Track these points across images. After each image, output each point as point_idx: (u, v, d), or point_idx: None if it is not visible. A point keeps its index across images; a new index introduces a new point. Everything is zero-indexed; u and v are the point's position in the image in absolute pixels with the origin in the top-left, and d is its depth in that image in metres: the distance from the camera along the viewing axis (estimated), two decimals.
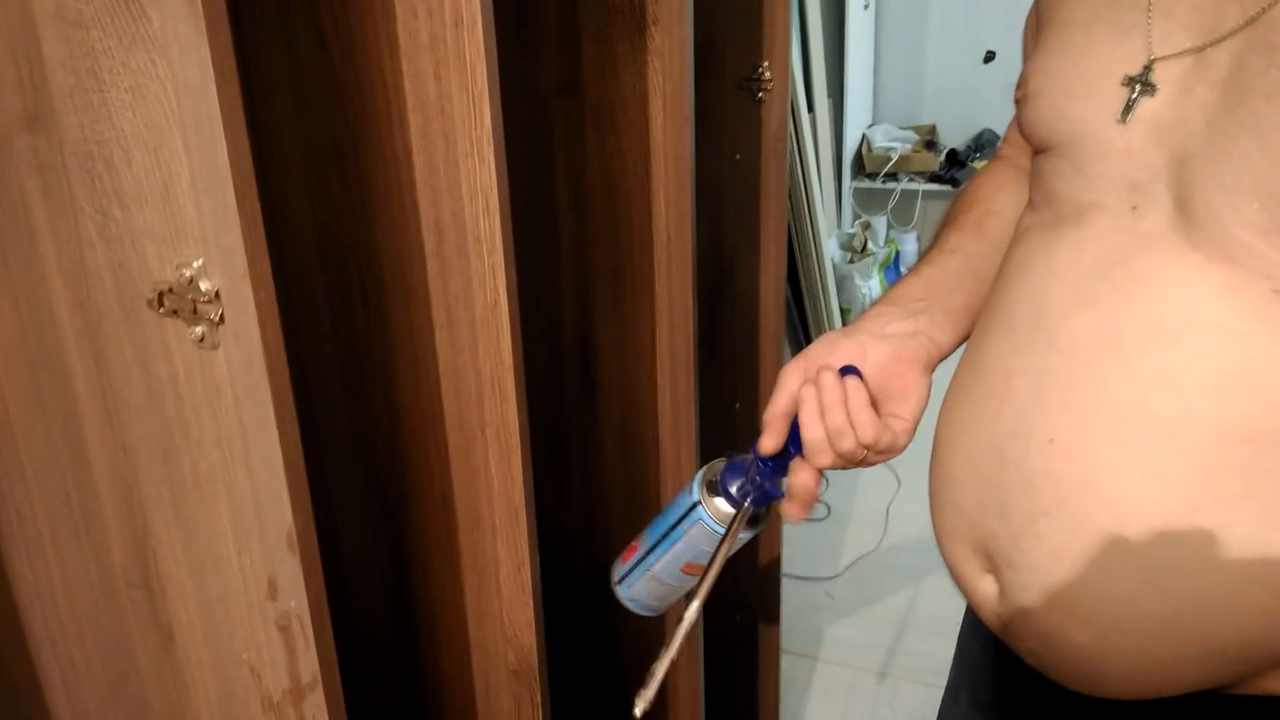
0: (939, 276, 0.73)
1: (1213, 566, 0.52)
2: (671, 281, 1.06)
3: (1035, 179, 0.67)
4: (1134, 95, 0.57)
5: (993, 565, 0.63)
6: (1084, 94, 0.60)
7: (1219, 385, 0.51)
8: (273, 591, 0.60)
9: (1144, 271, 0.55)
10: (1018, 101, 0.68)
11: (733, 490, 0.74)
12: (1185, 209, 0.54)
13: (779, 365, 1.60)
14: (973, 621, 0.83)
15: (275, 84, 0.73)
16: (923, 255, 0.77)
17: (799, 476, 0.70)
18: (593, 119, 1.04)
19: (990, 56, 3.80)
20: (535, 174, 1.06)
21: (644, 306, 1.09)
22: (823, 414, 0.65)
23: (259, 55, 0.73)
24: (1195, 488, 0.52)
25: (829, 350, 0.69)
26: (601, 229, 1.07)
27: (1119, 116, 0.58)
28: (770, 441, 0.70)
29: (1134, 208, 0.57)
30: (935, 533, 0.71)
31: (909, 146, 3.84)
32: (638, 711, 0.58)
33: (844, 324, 3.75)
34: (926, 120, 3.98)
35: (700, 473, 0.77)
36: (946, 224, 0.78)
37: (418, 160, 0.69)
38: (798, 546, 2.58)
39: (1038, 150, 0.66)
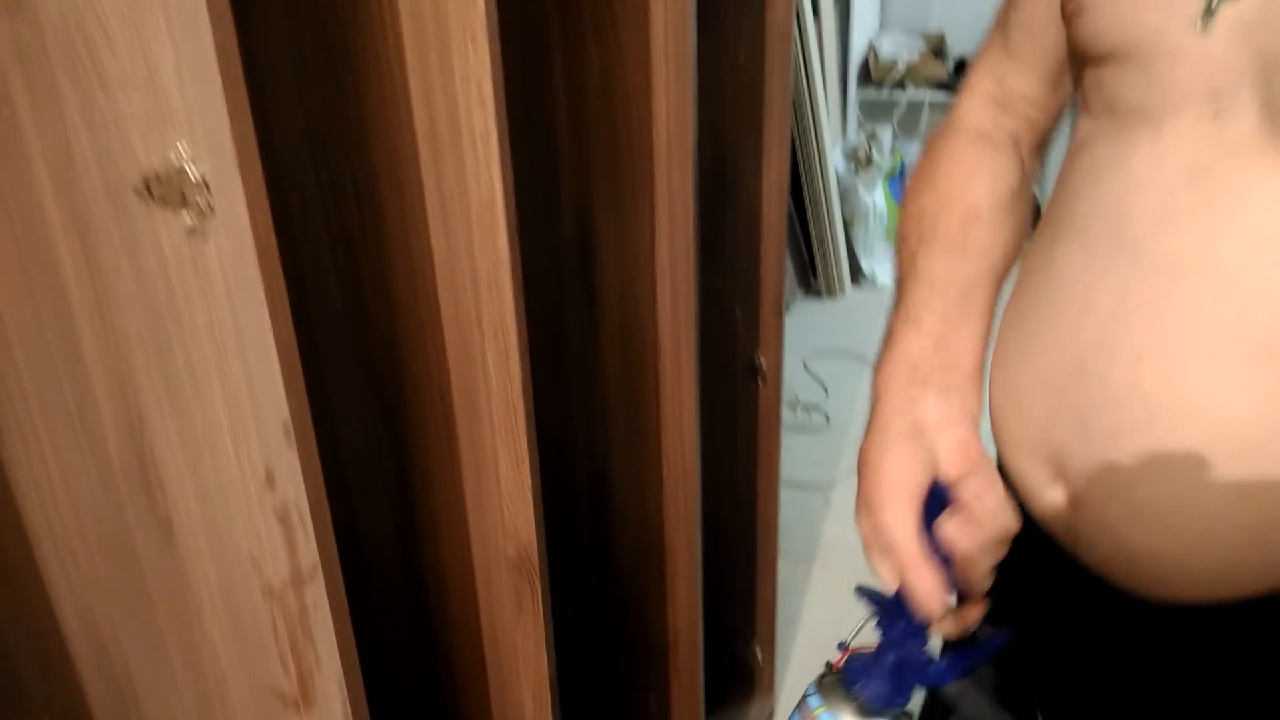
0: (943, 330, 0.67)
1: None
2: (671, 182, 1.05)
3: (1091, 87, 0.64)
4: None
5: (1065, 477, 0.62)
6: (1153, 2, 0.56)
7: None
8: (270, 481, 0.60)
9: (1233, 181, 0.52)
10: (1068, 15, 0.64)
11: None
12: (1276, 113, 0.51)
13: (780, 271, 1.59)
14: None
15: None
16: (904, 285, 0.70)
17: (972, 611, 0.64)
18: (591, 15, 1.02)
19: None
20: (532, 70, 1.03)
21: (643, 208, 1.08)
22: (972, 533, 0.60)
23: None
24: None
25: (901, 477, 0.62)
26: (600, 128, 1.05)
27: (1197, 22, 0.54)
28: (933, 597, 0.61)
29: (1215, 114, 0.54)
30: (996, 438, 0.69)
31: (916, 54, 3.76)
32: None
33: (847, 236, 3.72)
34: (935, 27, 3.88)
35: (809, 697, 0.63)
36: (922, 239, 0.70)
37: (409, 46, 0.67)
38: (797, 455, 2.60)
39: (1092, 59, 0.63)
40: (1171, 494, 0.56)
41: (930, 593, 0.58)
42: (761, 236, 1.53)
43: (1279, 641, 0.60)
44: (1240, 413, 0.52)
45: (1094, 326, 0.58)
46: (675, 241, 1.06)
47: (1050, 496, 0.64)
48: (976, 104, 0.76)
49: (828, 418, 2.78)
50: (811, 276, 3.79)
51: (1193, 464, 0.54)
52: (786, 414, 2.86)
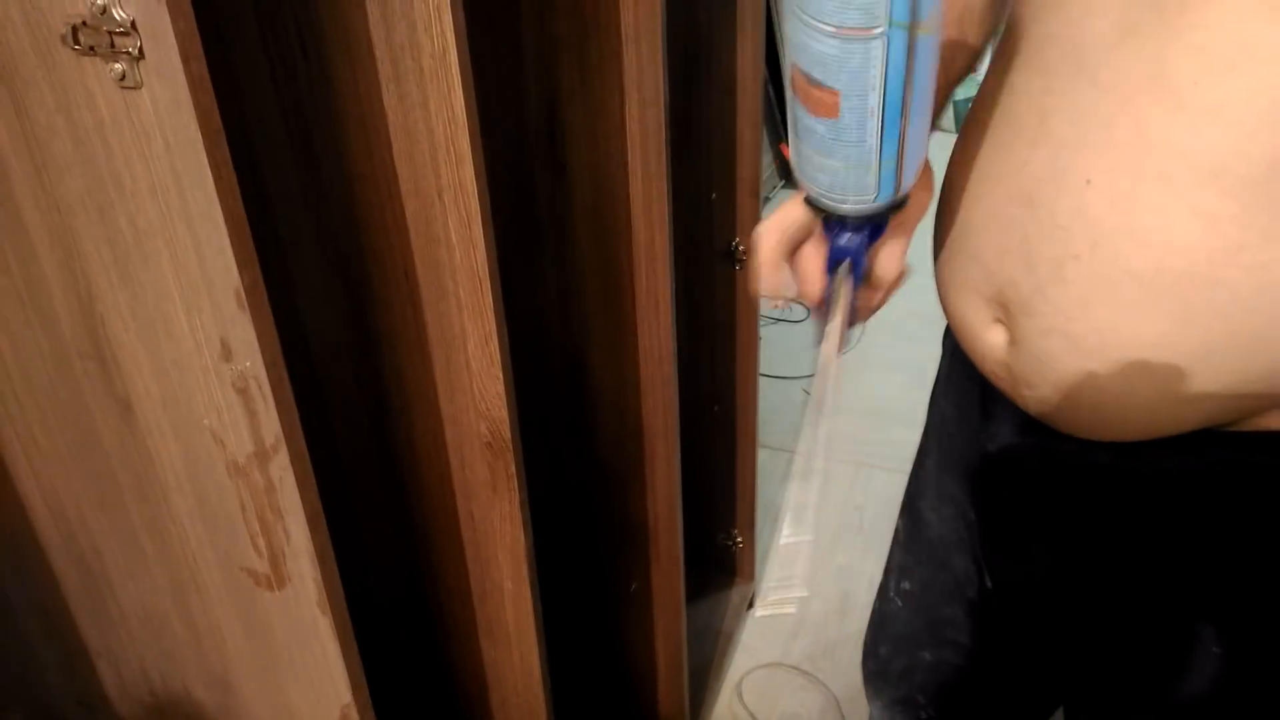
0: None
1: (1250, 305, 0.51)
2: (641, 53, 1.01)
3: None
4: None
5: (1007, 314, 0.62)
6: None
7: (1273, 117, 0.48)
8: (226, 353, 0.58)
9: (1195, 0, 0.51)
10: None
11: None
12: None
13: (757, 153, 1.55)
14: (945, 385, 0.83)
15: None
16: None
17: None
18: None
19: None
20: None
21: (612, 80, 1.04)
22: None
23: None
24: (1242, 226, 0.50)
25: (784, 213, 0.67)
26: None
27: None
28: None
29: None
30: (940, 285, 0.70)
31: None
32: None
33: None
34: None
35: None
36: None
37: None
38: (777, 348, 2.59)
39: None
40: (1112, 323, 0.56)
41: (772, 292, 0.66)
42: (737, 117, 1.49)
43: (1219, 476, 0.61)
44: (1185, 237, 0.52)
45: (1046, 154, 0.58)
46: (646, 116, 1.03)
47: (992, 336, 0.65)
48: None
49: (807, 310, 2.77)
50: (791, 167, 3.74)
51: (1135, 292, 0.54)
52: (767, 306, 2.85)
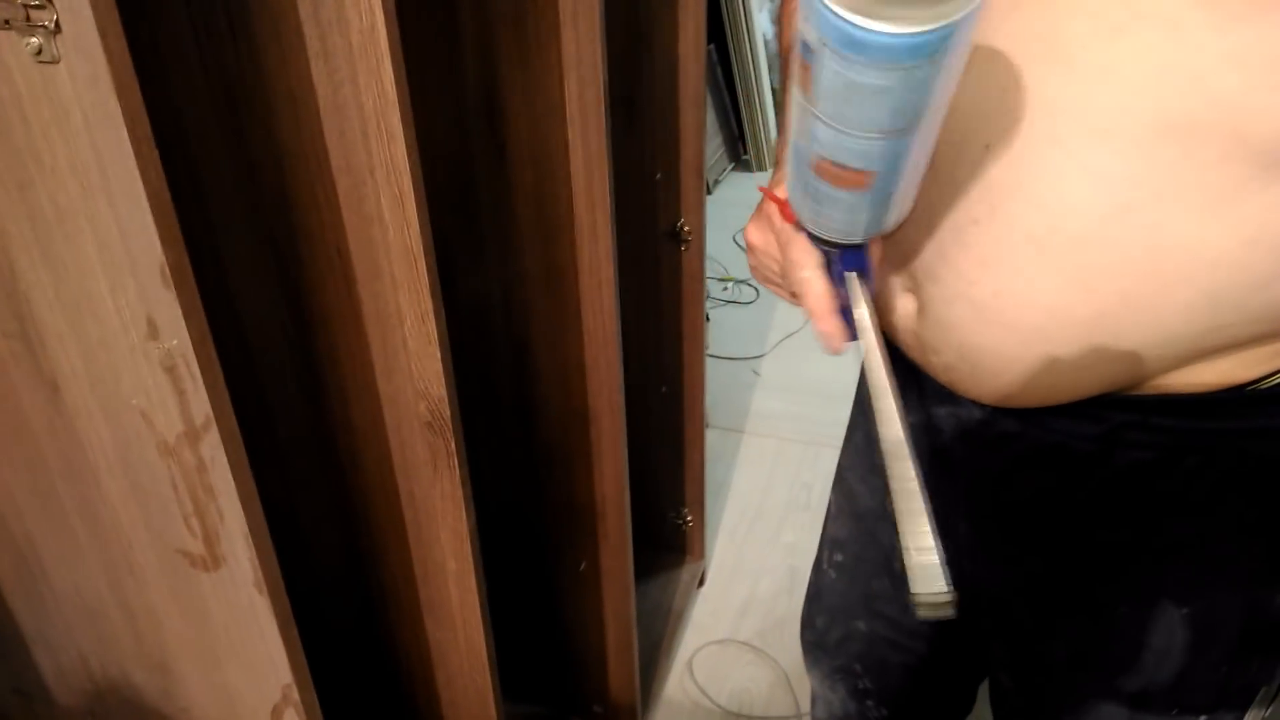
0: None
1: (1142, 266, 0.53)
2: (579, 32, 1.01)
3: None
4: None
5: (915, 282, 0.63)
6: None
7: (1161, 79, 0.50)
8: (153, 331, 0.57)
9: None
10: None
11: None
12: None
13: (701, 131, 1.56)
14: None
15: None
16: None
17: None
18: None
19: None
20: None
21: (551, 60, 1.04)
22: None
23: None
24: (1131, 185, 0.51)
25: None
26: None
27: None
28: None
29: None
30: None
31: None
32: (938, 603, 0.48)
33: (777, 107, 3.67)
34: None
35: None
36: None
37: None
38: (726, 330, 2.61)
39: None
40: (1009, 288, 0.57)
41: (836, 337, 0.61)
42: (679, 99, 1.49)
43: (1121, 440, 0.62)
44: (1078, 199, 0.53)
45: (950, 123, 0.57)
46: (585, 95, 1.03)
47: (901, 306, 0.65)
48: None
49: (757, 291, 2.79)
50: (741, 149, 3.75)
51: (1030, 255, 0.55)
52: (716, 289, 2.86)
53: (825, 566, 0.94)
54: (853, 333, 0.61)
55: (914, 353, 0.67)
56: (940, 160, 0.58)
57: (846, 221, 0.56)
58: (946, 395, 0.68)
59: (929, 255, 0.60)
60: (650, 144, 1.54)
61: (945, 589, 0.48)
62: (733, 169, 3.88)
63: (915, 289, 0.63)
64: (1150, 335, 0.55)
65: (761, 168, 3.71)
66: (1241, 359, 0.57)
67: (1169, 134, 0.50)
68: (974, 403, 0.66)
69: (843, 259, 0.60)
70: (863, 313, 0.59)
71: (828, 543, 0.94)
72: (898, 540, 0.82)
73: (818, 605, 0.96)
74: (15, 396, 0.66)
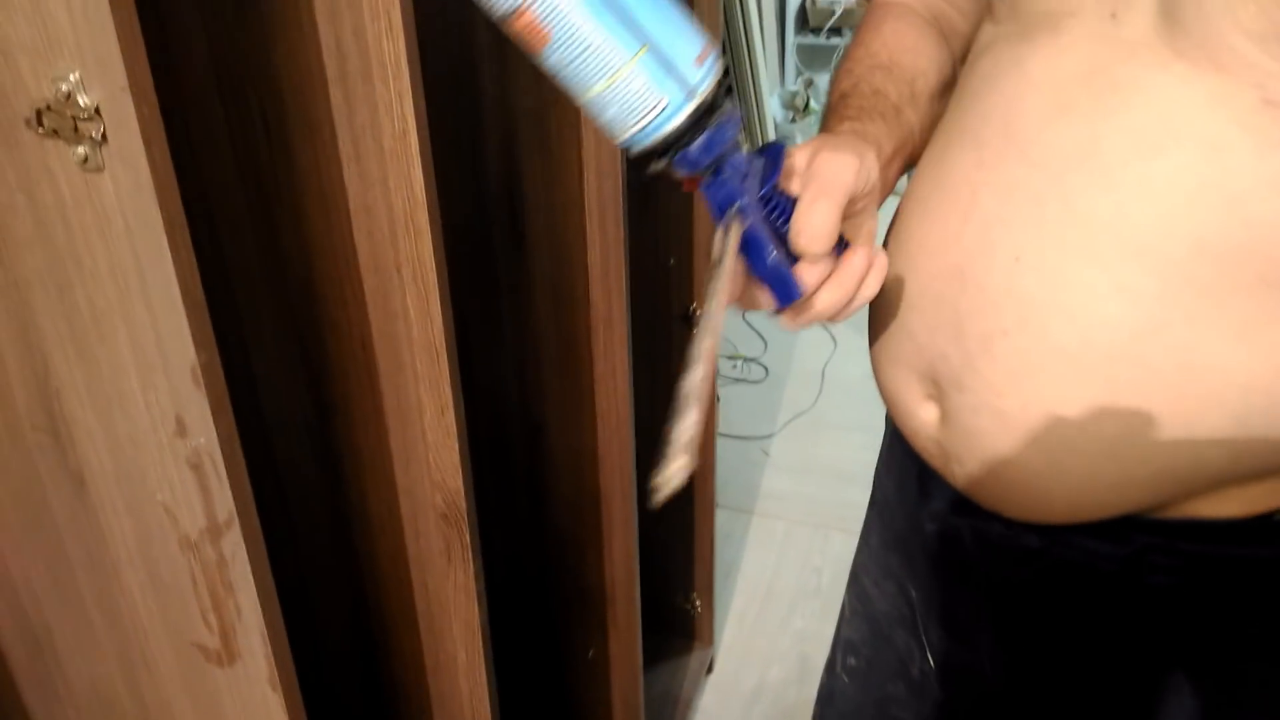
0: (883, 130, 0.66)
1: (1173, 386, 0.52)
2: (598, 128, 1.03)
3: None
4: None
5: (938, 390, 0.62)
6: None
7: (1199, 198, 0.50)
8: (181, 429, 0.58)
9: (1126, 80, 0.53)
10: None
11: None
12: (1171, 15, 0.51)
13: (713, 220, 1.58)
14: (888, 461, 0.83)
15: None
16: (841, 113, 0.66)
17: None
18: None
19: None
20: (453, 8, 1.01)
21: (571, 152, 1.06)
22: None
23: None
24: (1165, 304, 0.51)
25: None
26: (523, 66, 1.03)
27: None
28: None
29: (1113, 15, 0.54)
30: (875, 362, 0.70)
31: (854, 0, 3.76)
32: (659, 496, 0.46)
33: None
34: None
35: None
36: (869, 69, 0.68)
37: None
38: (735, 408, 2.61)
39: None
40: (1039, 400, 0.56)
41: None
42: None
43: (1145, 562, 0.61)
44: (1110, 314, 0.53)
45: (976, 229, 0.58)
46: (604, 188, 1.05)
47: (924, 413, 0.65)
48: None
49: (766, 370, 2.80)
50: None
51: (1062, 368, 0.55)
52: (725, 366, 2.87)
53: (838, 670, 0.93)
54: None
55: (935, 460, 0.66)
56: (967, 268, 0.58)
57: (602, 101, 0.49)
58: (967, 506, 0.67)
59: (955, 363, 0.60)
60: (663, 230, 1.56)
61: (680, 483, 0.48)
62: None
63: (939, 397, 0.63)
64: (1179, 457, 0.54)
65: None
66: (1272, 487, 0.56)
67: (1205, 255, 0.50)
68: (995, 516, 0.65)
69: (705, 184, 0.53)
70: (717, 280, 0.53)
71: (841, 645, 0.92)
72: (912, 645, 0.82)
73: (830, 709, 0.94)
74: (40, 488, 0.66)
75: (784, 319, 0.58)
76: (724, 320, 0.52)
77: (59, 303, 0.57)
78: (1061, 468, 0.57)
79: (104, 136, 0.50)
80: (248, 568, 0.61)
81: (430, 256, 0.70)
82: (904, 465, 0.77)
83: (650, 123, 0.50)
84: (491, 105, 1.04)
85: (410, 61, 0.63)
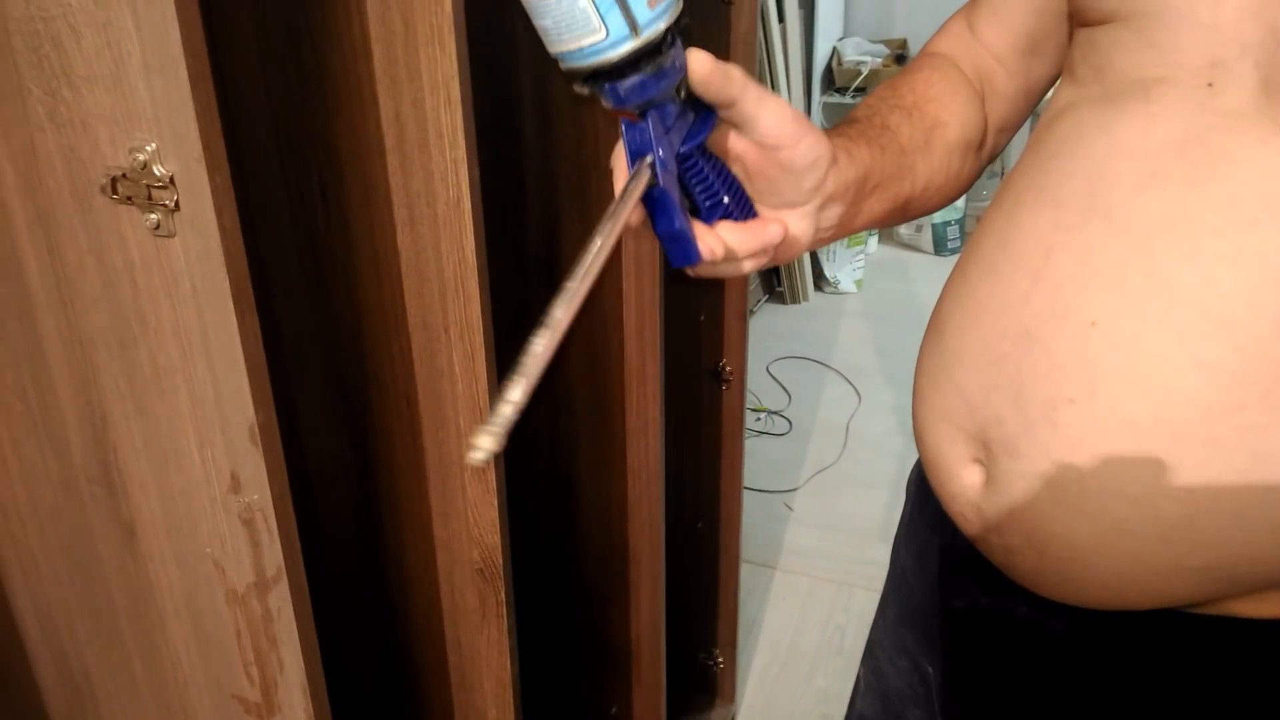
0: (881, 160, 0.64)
1: (1241, 472, 0.50)
2: None
3: (1083, 50, 0.62)
4: None
5: (987, 454, 0.60)
6: None
7: None
8: (235, 485, 0.59)
9: (1222, 151, 0.51)
10: None
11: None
12: (1272, 86, 0.50)
13: (745, 277, 1.60)
14: (908, 532, 0.80)
15: None
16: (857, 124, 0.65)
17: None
18: None
19: None
20: (499, 73, 1.03)
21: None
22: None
23: None
24: (1244, 383, 0.49)
25: None
26: (566, 130, 1.05)
27: None
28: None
29: (1210, 84, 0.52)
30: (918, 417, 0.67)
31: (880, 60, 3.80)
32: (476, 456, 0.41)
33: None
34: (898, 34, 3.94)
35: None
36: (889, 107, 0.67)
37: (376, 49, 0.67)
38: (759, 460, 2.61)
39: (1090, 21, 0.61)
40: (1098, 475, 0.54)
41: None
42: None
43: (1175, 657, 0.58)
44: (1186, 389, 0.51)
45: (1047, 290, 0.56)
46: (641, 249, 1.07)
47: (968, 476, 0.62)
48: (945, 35, 0.74)
49: (790, 423, 2.80)
50: (775, 282, 3.81)
51: (1128, 442, 0.53)
52: (749, 419, 2.87)
53: None
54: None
55: (971, 528, 0.64)
56: (1034, 329, 0.56)
57: (544, 16, 0.47)
58: (993, 583, 0.65)
59: (1011, 428, 0.57)
60: (696, 287, 1.58)
61: (496, 447, 0.42)
62: (766, 300, 3.93)
63: (987, 461, 0.60)
64: (1235, 549, 0.52)
65: (795, 300, 3.76)
66: None
67: None
68: (1021, 595, 0.63)
69: (625, 126, 0.52)
70: (619, 207, 0.50)
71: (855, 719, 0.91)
72: None
73: None
74: (91, 538, 0.68)
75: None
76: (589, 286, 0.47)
77: (121, 360, 0.59)
78: (1110, 549, 0.55)
79: (177, 204, 0.52)
80: (293, 623, 0.62)
81: (478, 318, 0.72)
82: (925, 540, 0.74)
83: (585, 47, 0.48)
84: (533, 170, 1.06)
85: (466, 132, 0.65)
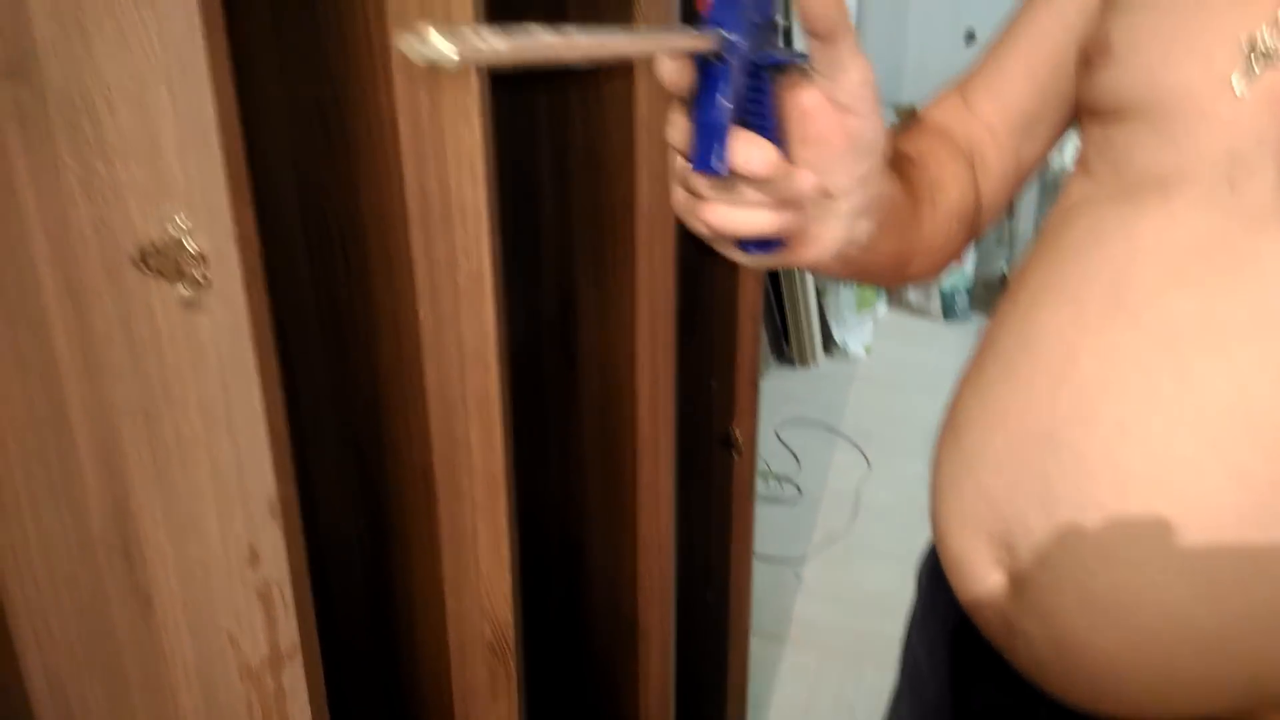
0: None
1: (1276, 581, 0.49)
2: (653, 260, 1.06)
3: (1098, 146, 0.62)
4: (1256, 60, 0.51)
5: (1013, 558, 0.58)
6: (1189, 57, 0.53)
7: None
8: (254, 559, 0.59)
9: (1247, 253, 0.51)
10: (1088, 62, 0.61)
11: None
12: None
13: (757, 343, 1.60)
14: (921, 625, 0.79)
15: (259, 39, 0.72)
16: None
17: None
18: (578, 95, 1.04)
19: (972, 37, 3.82)
20: (520, 146, 1.05)
21: (625, 283, 1.09)
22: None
23: (244, 9, 0.71)
24: (1276, 491, 0.49)
25: None
26: (584, 201, 1.06)
27: (1233, 84, 0.52)
28: None
29: (1231, 183, 0.52)
30: (936, 517, 0.66)
31: (889, 127, 3.85)
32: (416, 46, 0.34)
33: (821, 310, 3.77)
34: (906, 100, 3.99)
35: None
36: (898, 155, 0.64)
37: (403, 123, 0.68)
38: (766, 527, 2.59)
39: (1106, 115, 0.61)
40: (1131, 584, 0.53)
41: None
42: (738, 309, 1.54)
43: None
44: (1219, 496, 0.50)
45: (1073, 392, 0.55)
46: (656, 319, 1.07)
47: (991, 580, 0.61)
48: (939, 107, 0.73)
49: (799, 489, 2.78)
50: (784, 344, 3.82)
51: (1161, 551, 0.51)
52: (758, 484, 2.86)
53: None
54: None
55: (996, 633, 0.62)
56: (1060, 433, 0.55)
57: None
58: (1011, 685, 0.63)
59: (1039, 534, 0.56)
60: (708, 352, 1.58)
61: (442, 52, 0.34)
62: (775, 363, 3.94)
63: (1012, 566, 0.59)
64: (1274, 661, 0.51)
65: (804, 362, 3.76)
66: None
67: None
68: (1043, 699, 0.61)
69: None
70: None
71: None
72: None
73: None
74: (106, 606, 0.67)
75: (691, 203, 0.50)
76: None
77: (145, 430, 0.59)
78: (1142, 659, 0.54)
79: (206, 279, 0.52)
80: (306, 700, 0.62)
81: (496, 390, 0.72)
82: (937, 634, 0.73)
83: None
84: (550, 238, 1.07)
85: (489, 207, 0.66)
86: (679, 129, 0.48)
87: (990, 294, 3.86)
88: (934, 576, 0.74)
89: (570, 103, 1.04)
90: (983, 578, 0.62)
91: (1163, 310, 0.53)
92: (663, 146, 1.01)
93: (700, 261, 1.51)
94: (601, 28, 0.40)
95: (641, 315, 1.09)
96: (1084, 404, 0.54)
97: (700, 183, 0.49)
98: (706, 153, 0.46)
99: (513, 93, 1.02)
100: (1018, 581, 0.59)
